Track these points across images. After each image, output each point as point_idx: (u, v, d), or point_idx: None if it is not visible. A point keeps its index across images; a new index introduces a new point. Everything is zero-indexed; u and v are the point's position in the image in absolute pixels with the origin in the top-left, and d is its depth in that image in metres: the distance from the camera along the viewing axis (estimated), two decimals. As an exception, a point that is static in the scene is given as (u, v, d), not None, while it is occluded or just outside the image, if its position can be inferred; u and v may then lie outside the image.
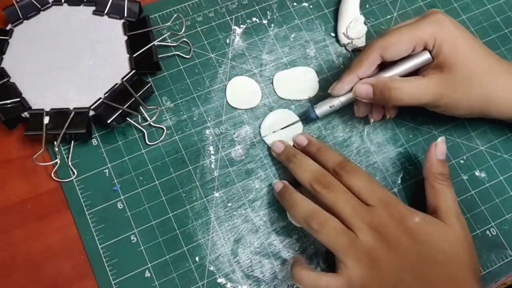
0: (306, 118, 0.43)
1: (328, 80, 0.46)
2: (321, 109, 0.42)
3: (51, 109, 0.41)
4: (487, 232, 0.41)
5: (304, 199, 0.37)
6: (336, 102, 0.41)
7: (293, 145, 0.42)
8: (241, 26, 0.48)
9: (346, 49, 0.47)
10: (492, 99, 0.38)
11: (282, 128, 0.43)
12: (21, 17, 0.44)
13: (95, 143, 0.42)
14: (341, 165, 0.38)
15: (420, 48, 0.38)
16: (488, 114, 0.39)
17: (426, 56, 0.38)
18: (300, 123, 0.43)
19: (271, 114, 0.44)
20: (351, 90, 0.40)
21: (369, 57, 0.38)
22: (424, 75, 0.39)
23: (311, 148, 0.40)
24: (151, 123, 0.43)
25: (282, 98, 0.45)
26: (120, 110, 0.41)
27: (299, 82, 0.45)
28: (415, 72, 0.39)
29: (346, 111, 0.44)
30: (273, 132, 0.43)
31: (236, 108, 0.44)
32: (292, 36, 0.47)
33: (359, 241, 0.34)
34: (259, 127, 0.44)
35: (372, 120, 0.43)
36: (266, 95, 0.45)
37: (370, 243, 0.34)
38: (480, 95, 0.38)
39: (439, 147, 0.38)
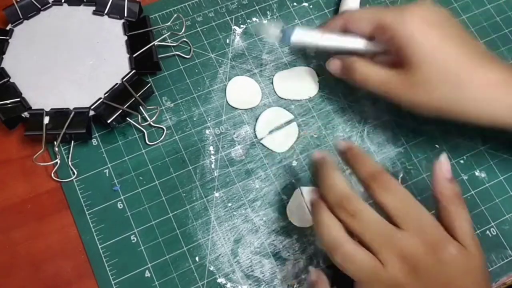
0: (282, 38, 0.40)
1: (328, 80, 0.46)
2: (298, 36, 0.40)
3: (51, 109, 0.41)
4: (487, 232, 0.41)
5: (331, 221, 0.32)
6: (317, 38, 0.40)
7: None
8: (241, 26, 0.48)
9: (346, 49, 0.47)
10: (461, 103, 0.35)
11: (271, 131, 0.43)
12: (21, 17, 0.44)
13: (95, 143, 0.42)
14: (374, 176, 0.32)
15: (382, 36, 0.37)
16: (460, 119, 0.36)
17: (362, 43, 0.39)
18: (295, 124, 0.44)
19: (263, 114, 0.44)
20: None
21: (334, 22, 0.40)
22: (389, 64, 0.37)
23: (348, 153, 0.35)
24: (151, 123, 0.43)
25: (282, 98, 0.45)
26: (120, 110, 0.41)
27: (299, 82, 0.45)
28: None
29: (346, 111, 0.44)
30: (269, 132, 0.43)
31: (236, 108, 0.44)
32: (292, 36, 0.47)
33: (386, 273, 0.31)
34: (254, 129, 0.43)
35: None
36: (266, 95, 0.45)
37: (397, 275, 0.31)
38: (443, 99, 0.36)
39: (444, 164, 0.34)
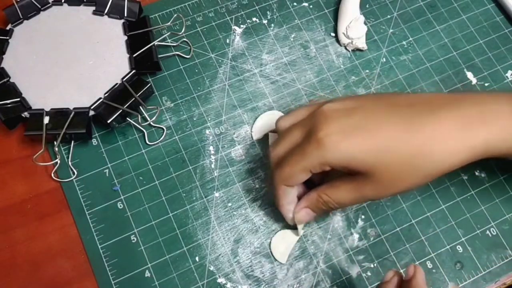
0: None
1: (328, 80, 0.46)
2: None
3: (51, 109, 0.41)
4: (487, 232, 0.41)
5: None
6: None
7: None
8: (241, 26, 0.48)
9: (346, 49, 0.47)
10: (432, 166, 0.31)
11: (266, 134, 0.43)
12: (21, 17, 0.44)
13: (95, 143, 0.42)
14: None
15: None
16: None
17: None
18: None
19: (261, 117, 0.44)
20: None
21: (279, 191, 0.36)
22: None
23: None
24: (151, 123, 0.43)
25: (282, 99, 0.45)
26: (120, 110, 0.41)
27: None
28: None
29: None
30: (264, 134, 0.43)
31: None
32: (292, 36, 0.47)
33: None
34: (251, 130, 0.43)
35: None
36: (266, 95, 0.45)
37: None
38: (414, 177, 0.32)
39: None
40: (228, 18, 0.48)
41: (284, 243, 0.40)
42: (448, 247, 0.40)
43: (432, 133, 0.30)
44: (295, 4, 0.49)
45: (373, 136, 0.31)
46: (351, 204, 0.37)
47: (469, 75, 0.47)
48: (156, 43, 0.44)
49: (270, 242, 0.40)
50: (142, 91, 0.42)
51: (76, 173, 0.41)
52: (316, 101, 0.38)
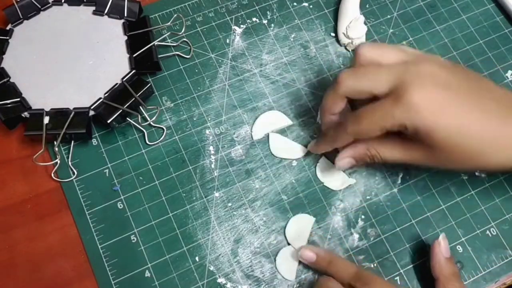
0: None
1: (328, 80, 0.46)
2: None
3: (51, 109, 0.41)
4: (487, 232, 0.41)
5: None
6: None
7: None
8: (241, 26, 0.48)
9: (346, 49, 0.47)
10: (485, 160, 0.33)
11: (267, 134, 0.43)
12: (21, 17, 0.44)
13: (95, 143, 0.42)
14: (356, 276, 0.36)
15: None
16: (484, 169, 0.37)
17: None
18: (289, 122, 0.43)
19: (261, 117, 0.44)
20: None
21: (343, 138, 0.36)
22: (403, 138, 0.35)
23: (321, 262, 0.38)
24: (151, 123, 0.43)
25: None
26: (120, 110, 0.41)
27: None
28: None
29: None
30: (265, 134, 0.43)
31: (278, 157, 0.43)
32: (292, 36, 0.47)
33: None
34: (251, 130, 0.43)
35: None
36: (266, 95, 0.45)
37: None
38: (467, 161, 0.33)
39: (443, 244, 0.37)
40: (228, 18, 0.48)
41: (288, 260, 0.39)
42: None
43: (510, 132, 0.32)
44: (295, 4, 0.49)
45: (462, 117, 0.32)
46: (396, 162, 0.37)
47: (469, 75, 0.47)
48: (156, 43, 0.44)
49: (275, 259, 0.39)
50: (142, 91, 0.42)
51: (76, 173, 0.41)
52: (404, 47, 0.37)
